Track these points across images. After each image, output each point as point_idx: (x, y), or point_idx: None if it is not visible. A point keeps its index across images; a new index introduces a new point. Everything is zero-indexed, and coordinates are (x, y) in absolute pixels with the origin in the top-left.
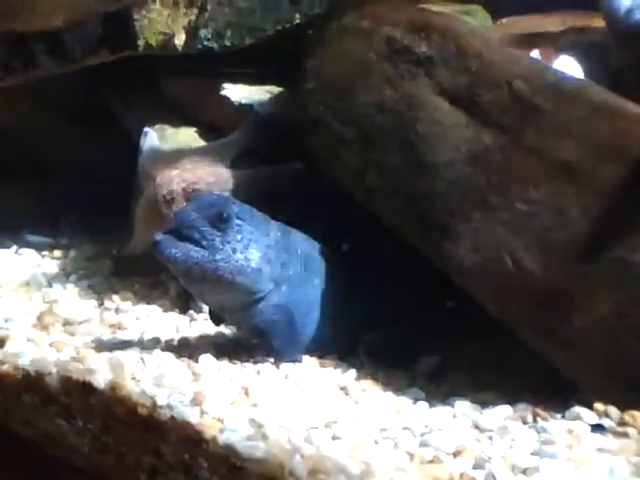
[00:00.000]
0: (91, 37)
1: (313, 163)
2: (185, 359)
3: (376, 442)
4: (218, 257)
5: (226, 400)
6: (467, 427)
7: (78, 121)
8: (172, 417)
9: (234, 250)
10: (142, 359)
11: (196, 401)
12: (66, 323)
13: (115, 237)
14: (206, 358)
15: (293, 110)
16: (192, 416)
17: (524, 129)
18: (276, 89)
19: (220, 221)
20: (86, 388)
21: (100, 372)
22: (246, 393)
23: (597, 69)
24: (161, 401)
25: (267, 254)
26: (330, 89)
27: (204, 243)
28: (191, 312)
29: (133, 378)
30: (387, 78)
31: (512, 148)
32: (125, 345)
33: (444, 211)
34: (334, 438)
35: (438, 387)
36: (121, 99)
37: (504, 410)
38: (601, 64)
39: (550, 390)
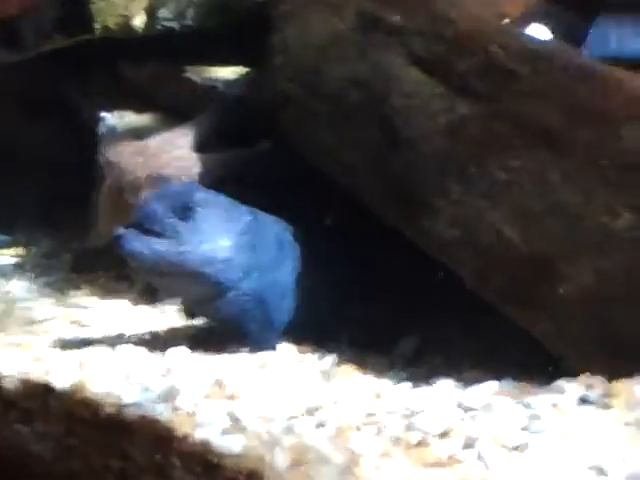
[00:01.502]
0: (45, 22)
1: (285, 142)
2: (156, 353)
3: (359, 428)
4: (183, 249)
5: (200, 394)
6: (452, 407)
7: (34, 112)
8: (141, 416)
9: (201, 240)
10: (108, 356)
11: (167, 397)
12: (25, 323)
13: (76, 231)
14: (178, 351)
15: (262, 89)
16: (163, 413)
17: (501, 96)
18: (242, 69)
19: (185, 210)
20: (47, 390)
21: (62, 372)
22: (220, 385)
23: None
24: (128, 399)
25: (237, 242)
26: (299, 64)
27: (168, 235)
28: (160, 304)
29: (98, 377)
30: (359, 50)
31: (489, 117)
32: (89, 342)
33: (422, 186)
34: (316, 426)
35: (419, 368)
36: (78, 87)
37: (488, 387)
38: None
39: (534, 365)
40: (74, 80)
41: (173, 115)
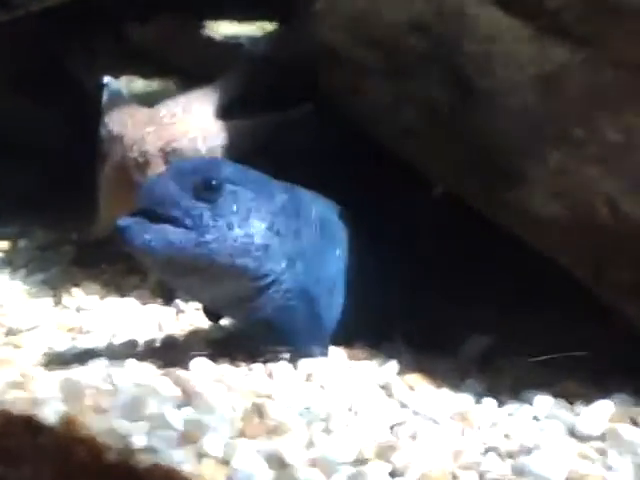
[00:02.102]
0: None
1: (327, 105)
2: (171, 369)
3: (455, 477)
4: (209, 237)
5: (232, 429)
6: (562, 435)
7: (27, 83)
8: (155, 464)
9: (230, 225)
10: (110, 376)
11: (189, 437)
12: (10, 332)
13: (76, 220)
14: (200, 364)
15: (297, 42)
16: (185, 462)
17: (611, 37)
18: (271, 25)
19: (208, 190)
20: (32, 425)
21: (50, 401)
22: (260, 413)
23: None
24: (138, 441)
25: (274, 224)
26: (346, 8)
27: (188, 222)
28: (177, 302)
29: (96, 408)
30: None
31: (596, 63)
32: (87, 357)
33: (510, 152)
34: (393, 475)
35: (499, 376)
36: (78, 52)
37: (603, 408)
38: None
39: None
40: (72, 43)
41: (189, 80)
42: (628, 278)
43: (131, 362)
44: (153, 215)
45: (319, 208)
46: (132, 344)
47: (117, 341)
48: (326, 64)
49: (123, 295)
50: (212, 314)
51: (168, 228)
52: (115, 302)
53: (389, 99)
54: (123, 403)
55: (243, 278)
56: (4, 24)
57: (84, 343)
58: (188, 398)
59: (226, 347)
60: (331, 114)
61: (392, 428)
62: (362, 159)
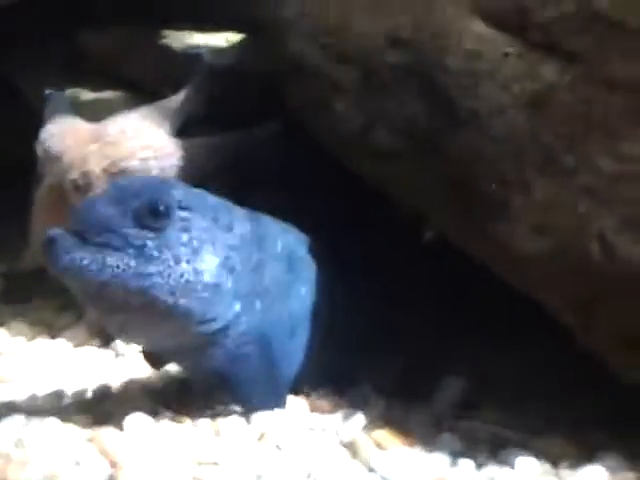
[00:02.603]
0: None
1: (295, 123)
2: (100, 431)
3: None
4: (152, 269)
5: None
6: None
7: None
8: None
9: (177, 259)
10: (21, 441)
11: None
12: None
13: (7, 248)
14: (136, 421)
15: (262, 56)
16: None
17: (606, 55)
18: (234, 36)
19: (153, 216)
20: None
21: None
22: None
23: None
24: None
25: (229, 259)
26: (318, 18)
27: (130, 251)
28: (116, 344)
29: None
30: None
31: (589, 83)
32: (1, 413)
33: (492, 178)
34: None
35: (476, 429)
36: (21, 60)
37: (594, 475)
38: None
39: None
40: (14, 51)
41: (144, 93)
42: (619, 326)
43: (53, 421)
44: (86, 240)
45: (286, 240)
46: (58, 396)
47: (41, 393)
48: (294, 78)
49: (54, 336)
50: (154, 359)
51: (105, 250)
52: (44, 344)
53: (361, 119)
54: (36, 477)
55: (187, 322)
56: None
57: (0, 395)
58: (114, 473)
59: (169, 399)
60: (299, 133)
61: None
62: (332, 184)
